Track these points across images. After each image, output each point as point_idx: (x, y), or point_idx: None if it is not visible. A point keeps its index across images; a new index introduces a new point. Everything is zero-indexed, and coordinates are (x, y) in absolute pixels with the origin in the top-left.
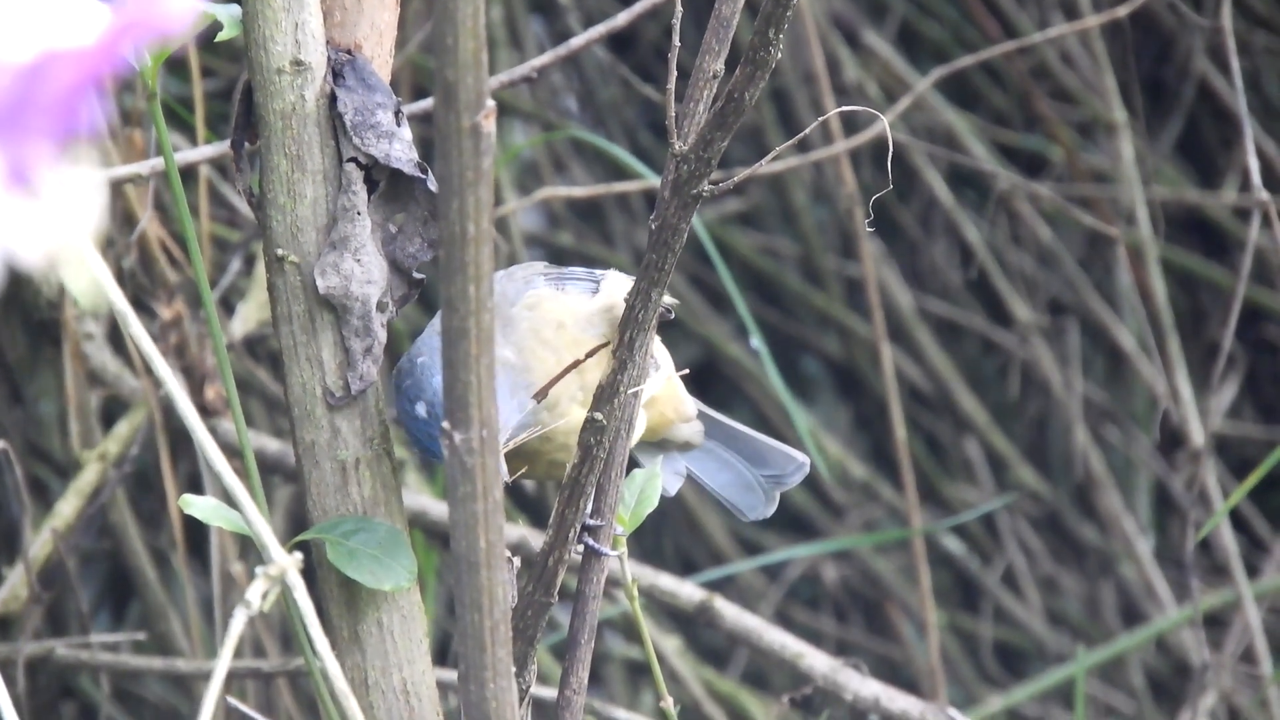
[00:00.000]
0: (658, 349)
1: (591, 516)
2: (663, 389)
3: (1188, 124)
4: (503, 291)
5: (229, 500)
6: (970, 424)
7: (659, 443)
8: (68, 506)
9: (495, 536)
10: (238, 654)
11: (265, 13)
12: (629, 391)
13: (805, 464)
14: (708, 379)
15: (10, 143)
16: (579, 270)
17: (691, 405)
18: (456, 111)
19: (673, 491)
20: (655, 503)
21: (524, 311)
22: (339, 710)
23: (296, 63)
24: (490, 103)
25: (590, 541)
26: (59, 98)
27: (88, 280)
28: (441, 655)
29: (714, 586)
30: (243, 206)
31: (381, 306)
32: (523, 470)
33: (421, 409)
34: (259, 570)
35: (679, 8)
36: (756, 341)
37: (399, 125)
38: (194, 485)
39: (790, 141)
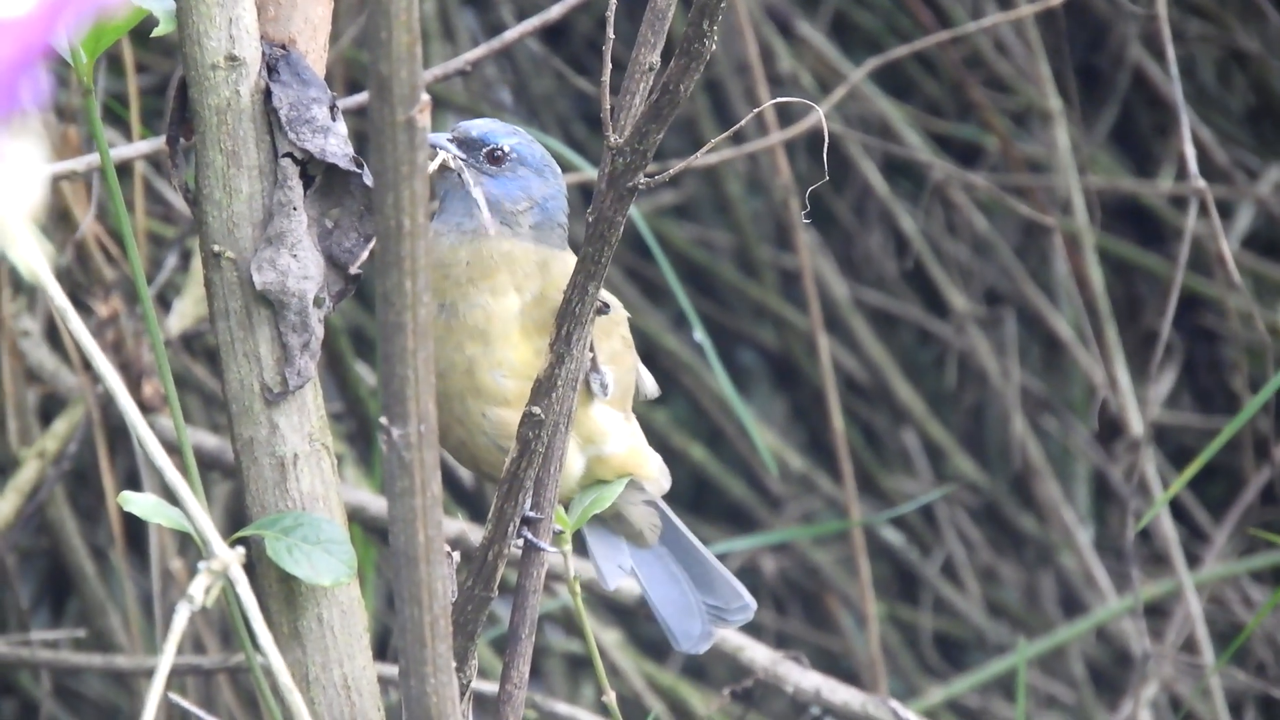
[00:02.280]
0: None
1: (531, 510)
2: (625, 450)
3: (1123, 112)
4: None
5: (168, 497)
6: (908, 414)
7: (614, 516)
8: (6, 504)
9: (434, 531)
10: (178, 651)
11: (199, 8)
12: (565, 385)
13: (751, 608)
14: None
15: None
16: None
17: (655, 466)
18: (391, 105)
19: (612, 586)
20: (604, 507)
21: None
22: (282, 706)
23: (231, 58)
24: (424, 97)
25: (529, 536)
26: None
27: (28, 253)
28: (381, 650)
29: None
30: (179, 202)
31: (318, 302)
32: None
33: None
34: (201, 565)
35: (612, 0)
36: (700, 334)
37: (334, 120)
38: (132, 482)
39: (726, 134)
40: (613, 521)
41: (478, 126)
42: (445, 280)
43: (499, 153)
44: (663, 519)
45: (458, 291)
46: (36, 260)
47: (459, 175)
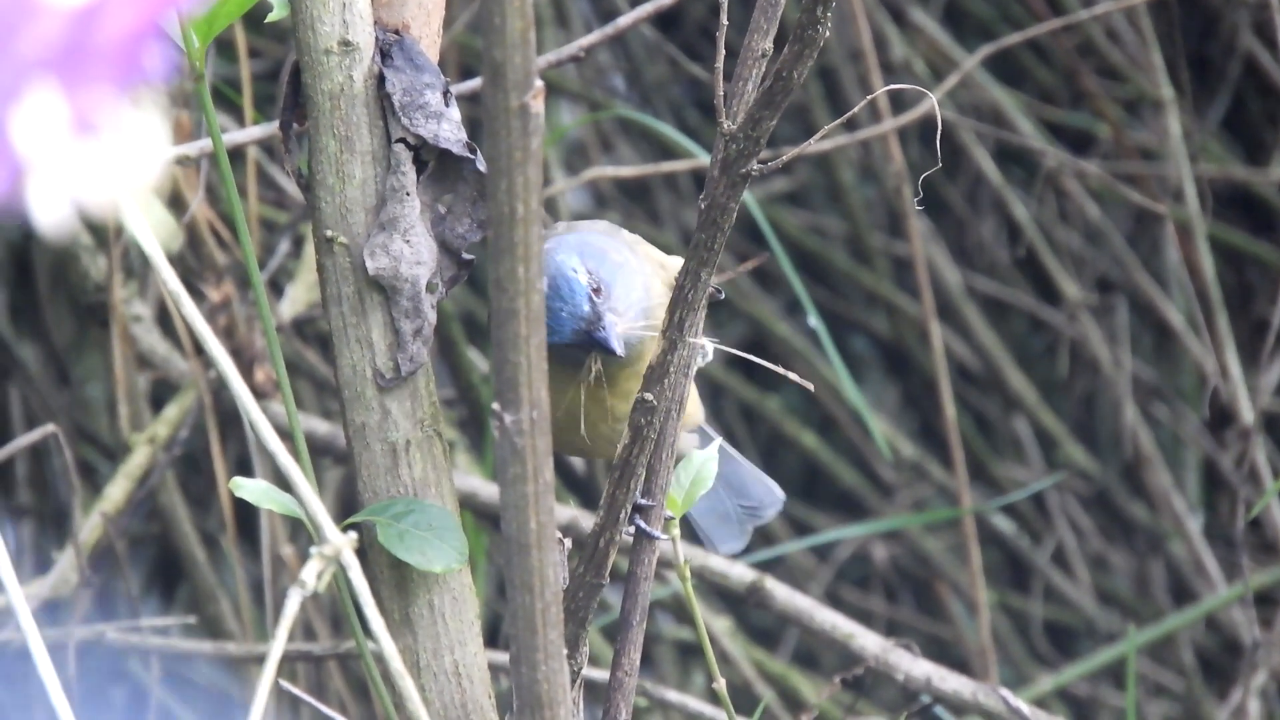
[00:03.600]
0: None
1: (642, 497)
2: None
3: (1234, 100)
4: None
5: (279, 483)
6: (1019, 402)
7: None
8: (117, 490)
9: (546, 518)
10: (289, 637)
11: None
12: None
13: (781, 499)
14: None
15: (70, 88)
16: None
17: (701, 412)
18: (504, 91)
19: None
20: (709, 485)
21: (631, 242)
22: (393, 692)
23: (344, 43)
24: (538, 82)
25: (641, 523)
26: (117, 42)
27: (153, 224)
28: (493, 637)
29: (764, 567)
30: (291, 188)
31: (431, 287)
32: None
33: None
34: (313, 551)
35: None
36: (814, 320)
37: (447, 105)
38: (243, 468)
39: (838, 120)
40: None
41: (576, 303)
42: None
43: (595, 288)
44: (700, 436)
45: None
46: (152, 240)
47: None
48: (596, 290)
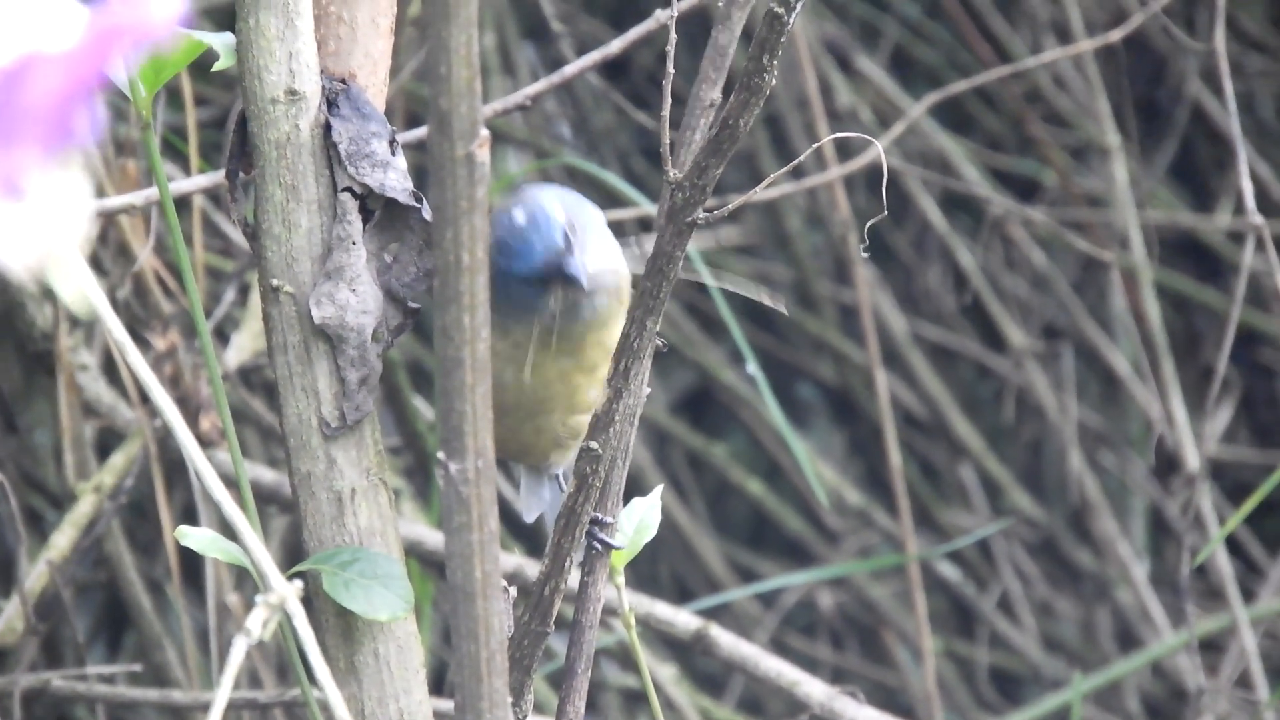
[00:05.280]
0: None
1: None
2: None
3: (1182, 147)
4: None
5: (225, 531)
6: (965, 449)
7: (548, 465)
8: (63, 538)
9: (491, 566)
10: (235, 685)
11: (259, 42)
12: (623, 420)
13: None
14: (703, 406)
15: None
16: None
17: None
18: (450, 140)
19: (531, 519)
20: (653, 532)
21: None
22: None
23: (291, 92)
24: (484, 131)
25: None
26: (45, 103)
27: (76, 287)
28: (438, 685)
29: (710, 614)
30: (237, 236)
31: (377, 336)
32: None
33: (521, 216)
34: (259, 599)
35: (673, 35)
36: (753, 368)
37: (394, 154)
38: (189, 516)
39: (785, 169)
40: (546, 469)
41: (547, 233)
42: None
43: (570, 226)
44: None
45: (581, 344)
46: (89, 294)
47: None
48: (572, 229)
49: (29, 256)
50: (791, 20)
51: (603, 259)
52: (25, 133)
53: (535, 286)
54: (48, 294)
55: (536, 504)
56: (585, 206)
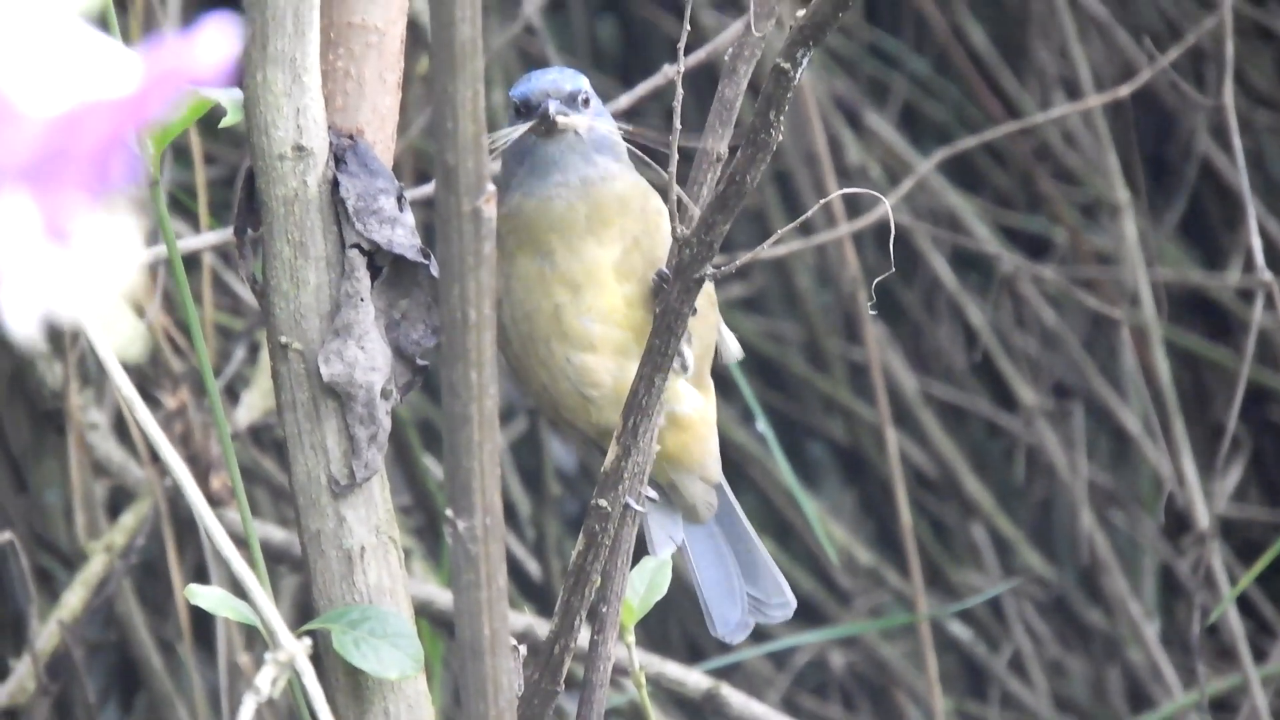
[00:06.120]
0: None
1: (599, 603)
2: (697, 416)
3: (1191, 203)
4: None
5: (236, 590)
6: (976, 508)
7: (670, 486)
8: (74, 597)
9: (500, 624)
10: None
11: (267, 98)
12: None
13: (791, 605)
14: None
15: (44, 195)
16: None
17: (716, 466)
18: (457, 195)
19: (660, 555)
20: (664, 591)
21: None
22: None
23: (298, 148)
24: (490, 187)
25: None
26: (93, 149)
27: (123, 333)
28: None
29: (721, 674)
30: (246, 294)
31: (386, 394)
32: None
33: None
34: (268, 657)
35: (680, 90)
36: (762, 426)
37: (401, 210)
38: (200, 575)
39: (793, 224)
40: (671, 493)
41: (560, 80)
42: (552, 234)
43: (585, 96)
44: (720, 499)
45: (564, 244)
46: (109, 348)
47: (575, 132)
48: (586, 101)
49: (77, 301)
50: (798, 76)
51: (607, 128)
52: (72, 178)
53: (522, 117)
54: (58, 352)
55: (667, 541)
56: (613, 125)
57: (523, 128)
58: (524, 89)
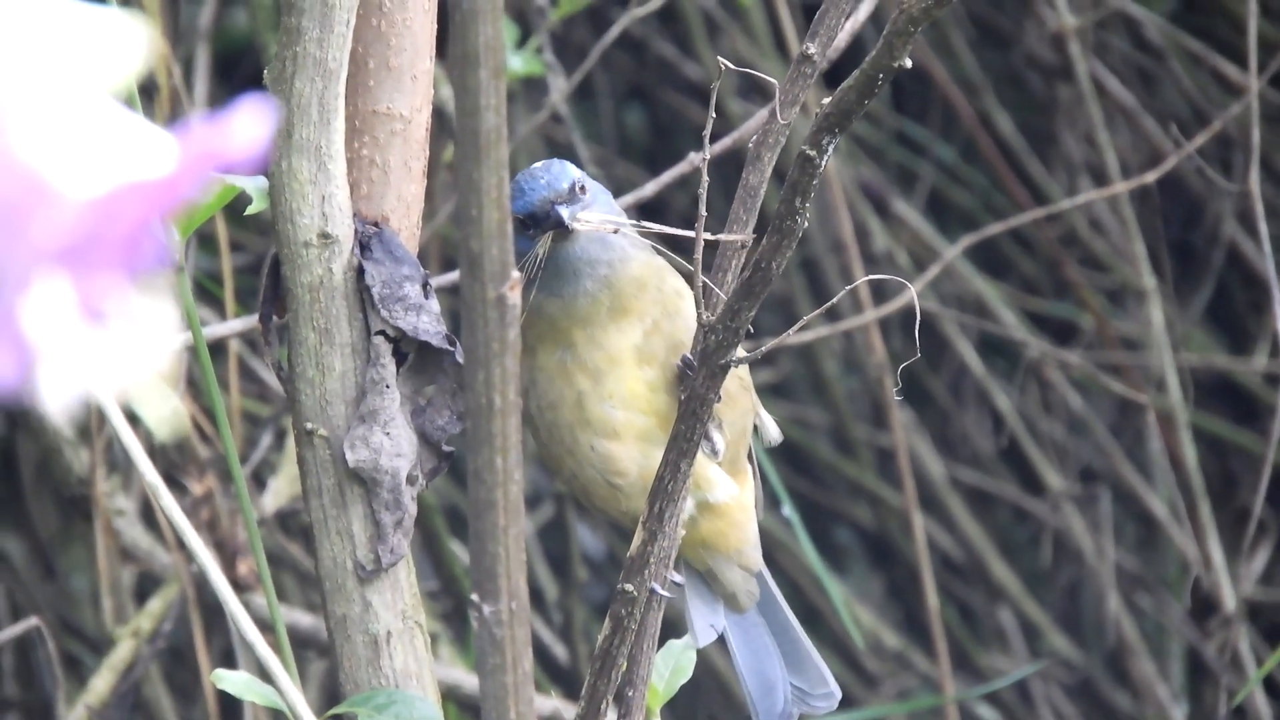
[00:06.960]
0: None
1: (625, 687)
2: (733, 503)
3: (1217, 289)
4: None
5: (262, 675)
6: (1003, 592)
7: (709, 574)
8: (101, 682)
9: (526, 708)
10: None
11: (292, 185)
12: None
13: (835, 696)
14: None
15: (80, 276)
16: None
17: (756, 554)
18: (482, 282)
19: (702, 643)
20: (689, 675)
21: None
22: None
23: (324, 235)
24: (515, 273)
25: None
26: (128, 231)
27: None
28: None
29: None
30: (272, 380)
31: (411, 479)
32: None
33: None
34: None
35: (705, 177)
36: (788, 510)
37: (427, 297)
38: (227, 660)
39: (819, 310)
40: (710, 580)
41: (554, 181)
42: (574, 328)
43: (580, 184)
44: (761, 587)
45: (585, 335)
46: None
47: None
48: (582, 189)
49: (116, 381)
50: (824, 163)
51: (610, 218)
52: (108, 259)
53: (530, 232)
54: (84, 438)
55: (708, 630)
56: (615, 206)
57: (544, 241)
58: (523, 203)
